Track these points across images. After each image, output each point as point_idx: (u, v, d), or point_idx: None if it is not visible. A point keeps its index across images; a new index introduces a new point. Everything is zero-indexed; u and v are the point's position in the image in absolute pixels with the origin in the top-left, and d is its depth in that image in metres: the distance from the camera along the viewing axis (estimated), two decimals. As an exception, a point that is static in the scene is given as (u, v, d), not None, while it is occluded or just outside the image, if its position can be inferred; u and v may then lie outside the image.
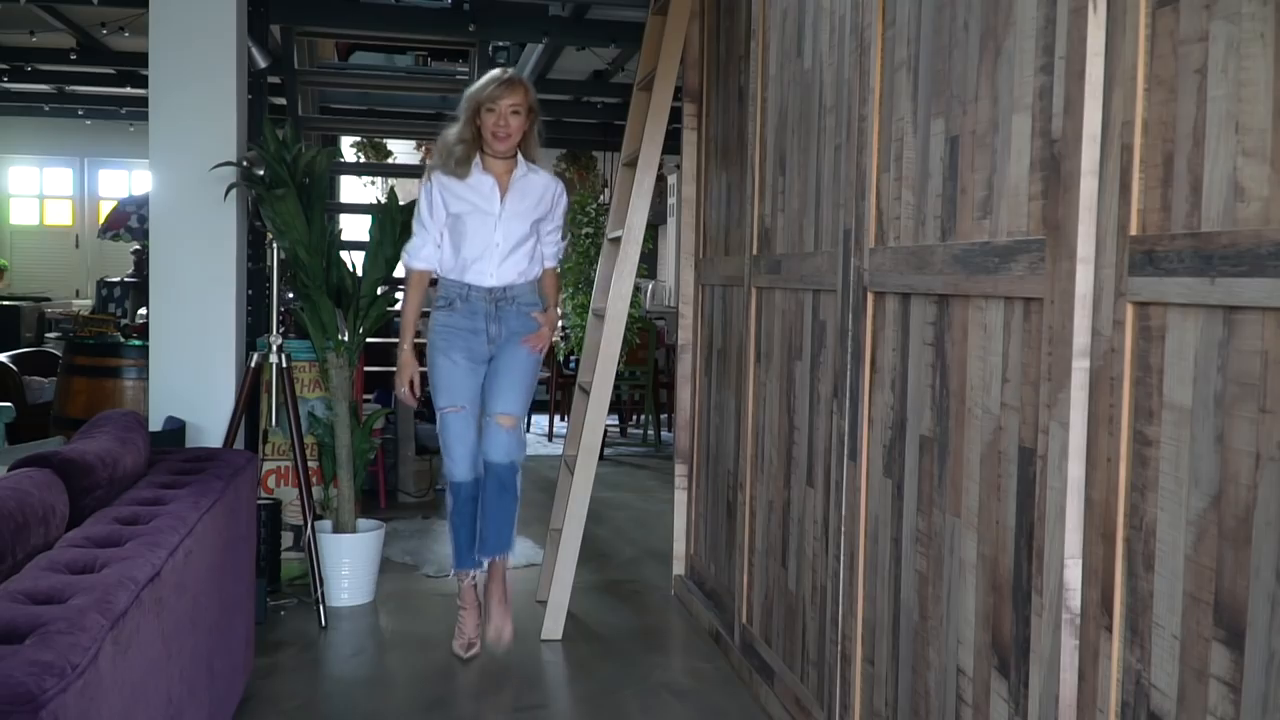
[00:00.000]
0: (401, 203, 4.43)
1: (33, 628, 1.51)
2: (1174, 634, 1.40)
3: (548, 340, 3.62)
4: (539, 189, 3.55)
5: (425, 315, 4.26)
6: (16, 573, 1.81)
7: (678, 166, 8.67)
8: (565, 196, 3.68)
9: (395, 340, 9.72)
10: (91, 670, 1.47)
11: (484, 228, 3.46)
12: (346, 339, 4.20)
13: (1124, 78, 1.51)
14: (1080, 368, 1.60)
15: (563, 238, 3.74)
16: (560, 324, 7.85)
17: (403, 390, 3.58)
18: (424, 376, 3.64)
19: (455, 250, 3.49)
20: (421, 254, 3.54)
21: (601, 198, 10.45)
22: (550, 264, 3.69)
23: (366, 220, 5.55)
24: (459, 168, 3.45)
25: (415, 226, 3.54)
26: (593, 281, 5.27)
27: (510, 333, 3.52)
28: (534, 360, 3.56)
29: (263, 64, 5.35)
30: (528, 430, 7.84)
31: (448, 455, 3.56)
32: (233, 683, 2.76)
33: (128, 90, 9.97)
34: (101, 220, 10.22)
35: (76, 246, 13.32)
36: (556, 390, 8.21)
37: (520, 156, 3.53)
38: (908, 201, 2.25)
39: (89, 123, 12.54)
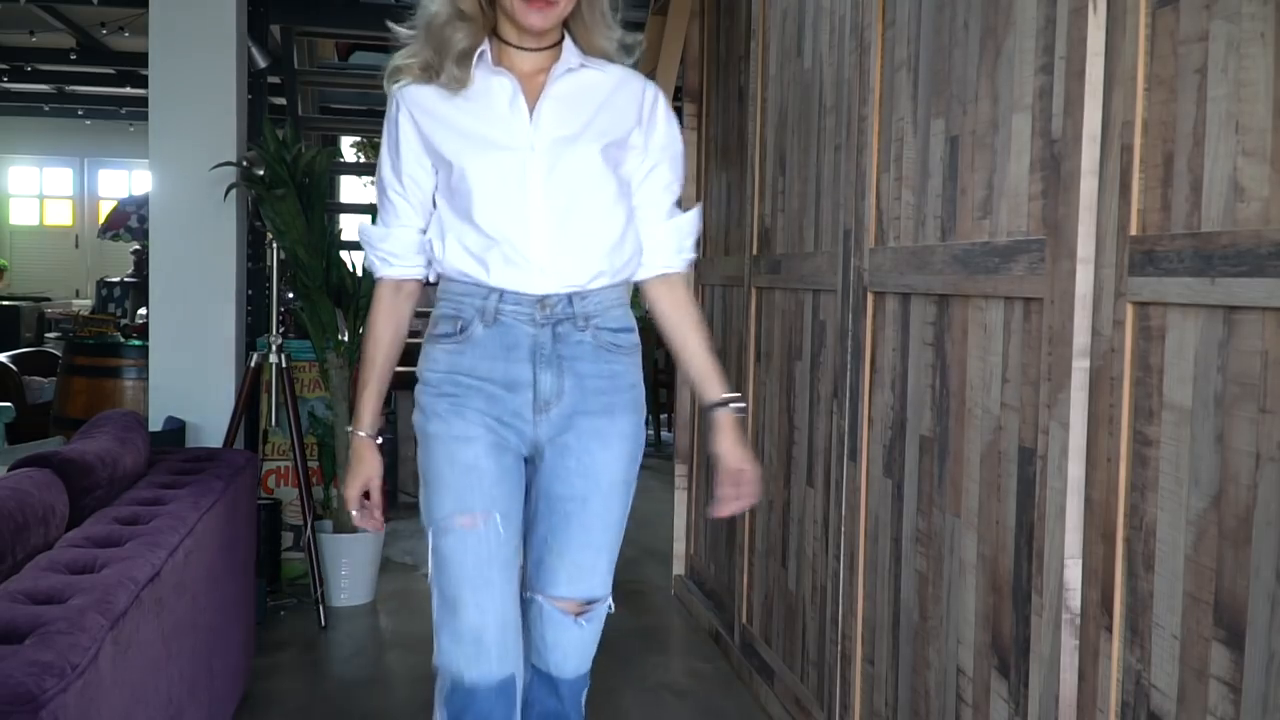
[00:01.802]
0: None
1: (33, 628, 1.51)
2: (1174, 634, 1.40)
3: (751, 500, 1.95)
4: (605, 90, 1.87)
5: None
6: (16, 573, 1.81)
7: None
8: (666, 106, 1.93)
9: None
10: (91, 670, 1.47)
11: (507, 174, 1.80)
12: (346, 339, 4.19)
13: (1124, 78, 1.51)
14: (1080, 368, 1.60)
15: (678, 196, 1.97)
16: None
17: (351, 497, 1.90)
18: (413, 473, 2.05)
19: (462, 226, 1.82)
20: (388, 249, 1.90)
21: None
22: (669, 256, 1.94)
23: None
24: (456, 67, 1.80)
25: (378, 201, 1.93)
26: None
27: (586, 398, 1.84)
28: (630, 475, 1.91)
29: (262, 64, 5.34)
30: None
31: (452, 618, 1.79)
32: (233, 683, 2.76)
33: (127, 90, 9.97)
34: (101, 220, 10.22)
35: (76, 246, 13.33)
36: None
37: (569, 41, 1.86)
38: (908, 201, 2.25)
39: (89, 123, 12.54)
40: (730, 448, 1.91)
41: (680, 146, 1.95)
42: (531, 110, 1.81)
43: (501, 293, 1.80)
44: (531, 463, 1.89)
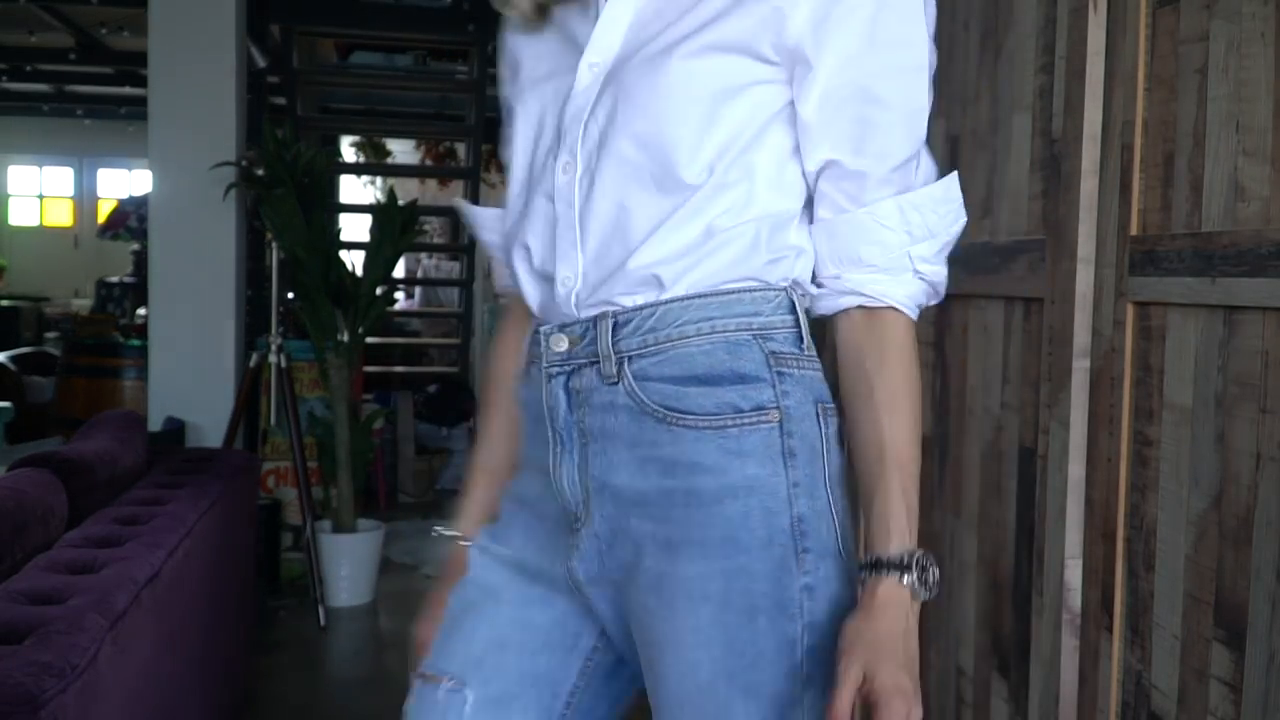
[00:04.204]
0: (401, 202, 4.42)
1: (32, 628, 1.51)
2: (1174, 634, 1.40)
3: None
4: None
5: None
6: (16, 573, 1.81)
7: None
8: None
9: (394, 339, 8.57)
10: (91, 670, 1.47)
11: (543, 116, 1.11)
12: (346, 339, 4.19)
13: (1124, 77, 1.51)
14: (1080, 367, 1.60)
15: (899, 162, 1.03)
16: None
17: (422, 639, 1.21)
18: None
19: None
20: (490, 240, 1.25)
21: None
22: (849, 267, 1.05)
23: (366, 220, 5.54)
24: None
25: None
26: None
27: (623, 517, 1.05)
28: (735, 672, 1.00)
29: (261, 64, 5.35)
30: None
31: None
32: (232, 683, 2.76)
33: (127, 90, 9.96)
34: (101, 220, 10.22)
35: (76, 246, 13.32)
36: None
37: None
38: (908, 201, 2.25)
39: (88, 122, 12.53)
40: (860, 645, 0.96)
41: (903, 65, 1.02)
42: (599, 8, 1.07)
43: (536, 324, 1.11)
44: (580, 620, 1.15)
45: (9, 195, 13.51)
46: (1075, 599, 1.62)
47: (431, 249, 9.33)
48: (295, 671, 3.43)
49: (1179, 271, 1.37)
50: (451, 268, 9.13)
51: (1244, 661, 1.26)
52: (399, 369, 7.15)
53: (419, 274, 9.64)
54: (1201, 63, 1.36)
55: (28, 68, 9.55)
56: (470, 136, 7.12)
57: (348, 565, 4.09)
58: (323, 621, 3.86)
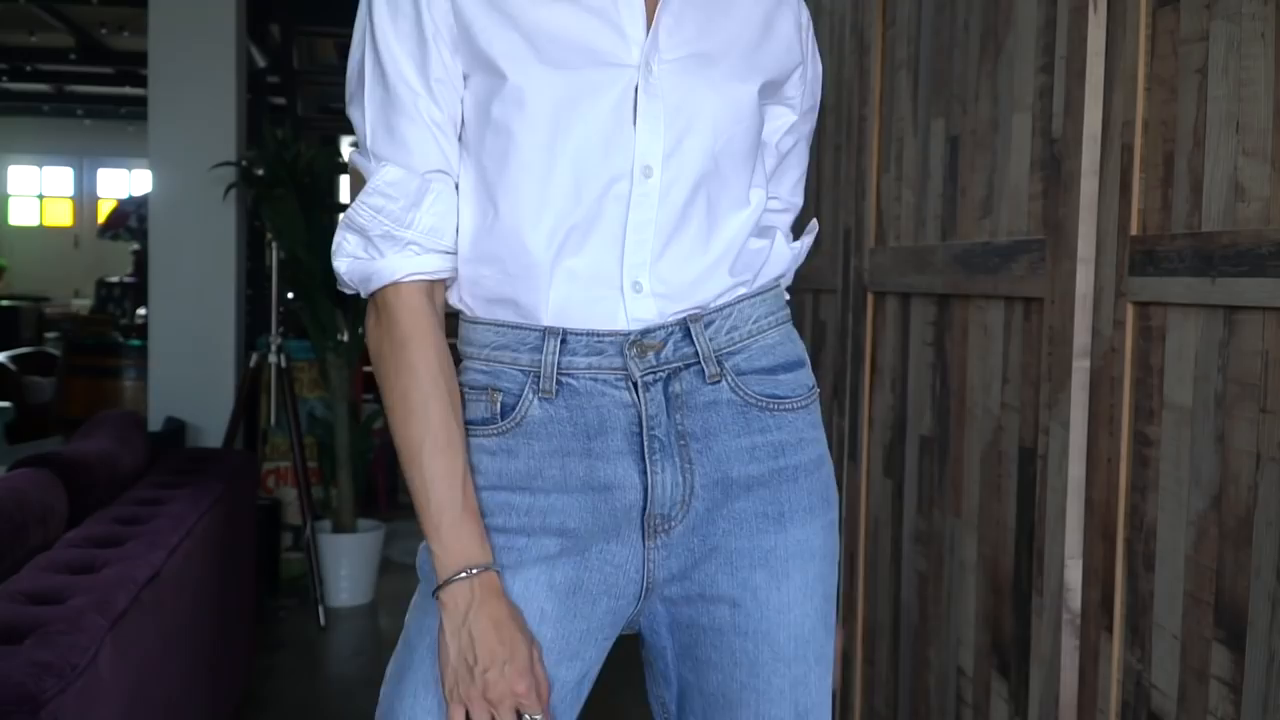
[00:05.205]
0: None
1: (32, 628, 1.51)
2: (1174, 634, 1.40)
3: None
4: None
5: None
6: (16, 573, 1.81)
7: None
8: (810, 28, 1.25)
9: None
10: (91, 670, 1.47)
11: (597, 104, 1.05)
12: (346, 339, 4.19)
13: (1124, 77, 1.51)
14: (1080, 367, 1.60)
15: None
16: None
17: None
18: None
19: (487, 203, 1.08)
20: (401, 214, 1.08)
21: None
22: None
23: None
24: None
25: (365, 138, 1.12)
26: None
27: (733, 500, 1.12)
28: (829, 621, 1.18)
29: (261, 64, 5.35)
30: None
31: None
32: (232, 683, 2.76)
33: (127, 90, 9.96)
34: (101, 220, 10.23)
35: (76, 246, 13.33)
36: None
37: None
38: (908, 201, 2.25)
39: (88, 123, 12.55)
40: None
41: (814, 80, 1.27)
42: (651, 12, 1.07)
43: (564, 336, 1.07)
44: (636, 623, 1.17)
45: (9, 195, 13.52)
46: (1075, 599, 1.62)
47: (431, 249, 9.30)
48: (295, 671, 3.43)
49: (1179, 271, 1.37)
50: (451, 268, 9.11)
51: (1244, 661, 1.26)
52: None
53: (419, 274, 9.61)
54: (1201, 63, 1.36)
55: (28, 68, 9.56)
56: (470, 136, 7.10)
57: (348, 565, 4.09)
58: (323, 621, 3.86)
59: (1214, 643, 1.32)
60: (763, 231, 1.17)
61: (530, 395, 1.08)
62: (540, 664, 1.06)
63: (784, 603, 1.12)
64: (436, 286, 1.11)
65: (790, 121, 1.23)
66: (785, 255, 1.22)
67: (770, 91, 1.17)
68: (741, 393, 1.11)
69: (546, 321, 1.07)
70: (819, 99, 1.28)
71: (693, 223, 1.08)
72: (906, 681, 2.26)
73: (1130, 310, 1.49)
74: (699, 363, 1.09)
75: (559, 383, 1.07)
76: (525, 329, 1.08)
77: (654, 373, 1.07)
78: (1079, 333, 1.59)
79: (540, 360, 1.07)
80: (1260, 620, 1.24)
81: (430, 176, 1.08)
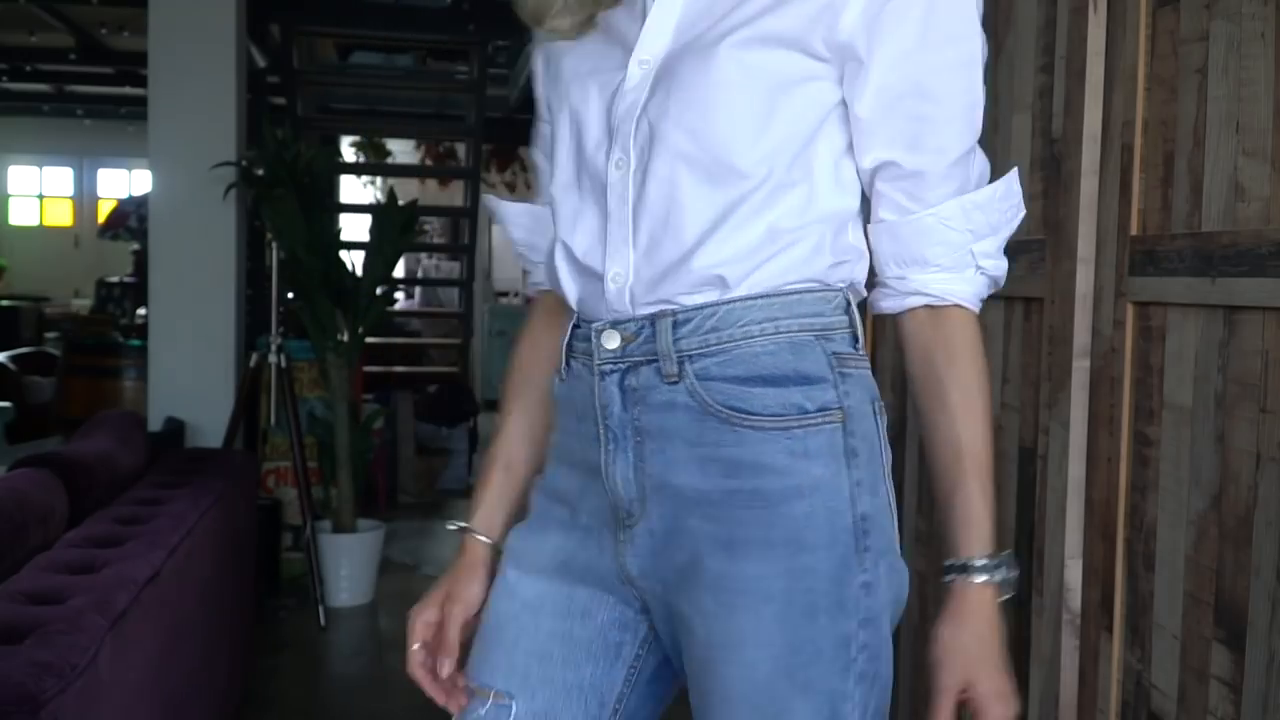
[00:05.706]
0: (401, 202, 4.42)
1: (32, 628, 1.50)
2: (1174, 634, 1.40)
3: None
4: None
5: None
6: (16, 573, 1.81)
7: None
8: None
9: (394, 339, 8.58)
10: (91, 670, 1.47)
11: (589, 106, 1.09)
12: (346, 339, 4.19)
13: (1124, 77, 1.51)
14: (1080, 367, 1.60)
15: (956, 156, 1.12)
16: None
17: (415, 622, 1.24)
18: None
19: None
20: (523, 238, 1.24)
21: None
22: (909, 268, 1.09)
23: (366, 220, 5.54)
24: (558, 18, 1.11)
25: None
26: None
27: (682, 515, 1.05)
28: (794, 671, 1.04)
29: (261, 64, 5.35)
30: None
31: None
32: (232, 683, 2.76)
33: (127, 90, 9.96)
34: (101, 220, 10.23)
35: (76, 246, 13.32)
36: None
37: None
38: (908, 201, 2.25)
39: (88, 123, 12.53)
40: (957, 652, 1.15)
41: (958, 61, 1.10)
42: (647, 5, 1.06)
43: (577, 320, 1.11)
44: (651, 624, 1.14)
45: (9, 195, 13.51)
46: (1075, 599, 1.62)
47: (431, 249, 9.33)
48: (295, 671, 3.43)
49: (1179, 271, 1.37)
50: (451, 268, 9.14)
51: (1244, 661, 1.26)
52: (399, 369, 7.15)
53: (419, 274, 9.64)
54: (1201, 63, 1.36)
55: (28, 68, 9.55)
56: (470, 136, 7.12)
57: (348, 565, 4.09)
58: (323, 621, 3.86)
59: (1214, 643, 1.32)
60: (775, 234, 1.03)
61: (557, 374, 1.14)
62: (454, 626, 1.19)
63: (731, 639, 1.02)
64: None
65: (870, 93, 1.07)
66: (806, 261, 1.05)
67: (806, 40, 1.07)
68: (699, 398, 1.02)
69: (572, 305, 1.11)
70: (938, 49, 1.12)
71: (668, 216, 1.03)
72: (906, 681, 2.25)
73: (1130, 310, 1.49)
74: (659, 360, 1.04)
75: (567, 364, 1.11)
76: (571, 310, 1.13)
77: (613, 364, 1.06)
78: (1079, 333, 1.59)
79: (564, 342, 1.12)
80: (1260, 620, 1.24)
81: None
